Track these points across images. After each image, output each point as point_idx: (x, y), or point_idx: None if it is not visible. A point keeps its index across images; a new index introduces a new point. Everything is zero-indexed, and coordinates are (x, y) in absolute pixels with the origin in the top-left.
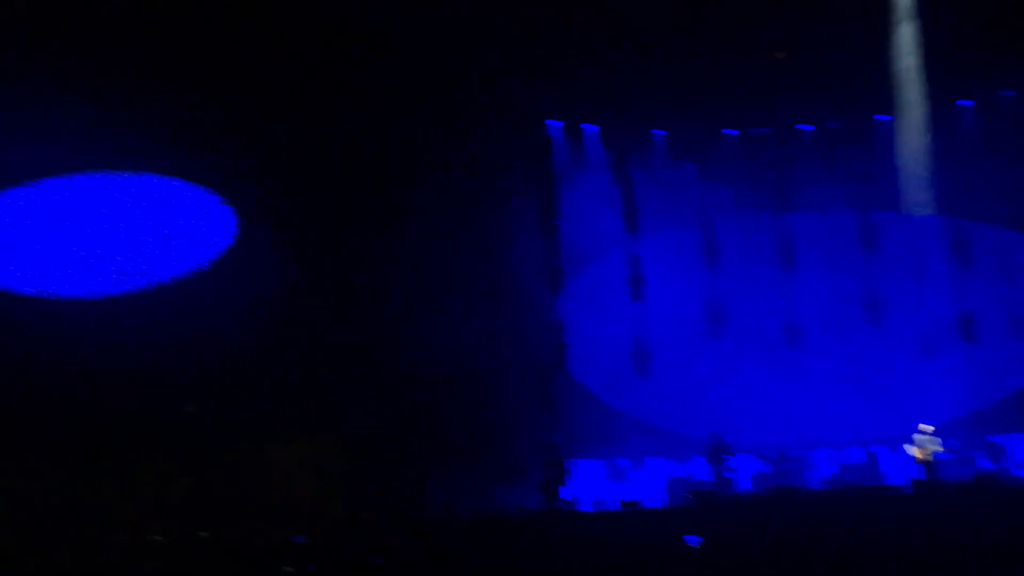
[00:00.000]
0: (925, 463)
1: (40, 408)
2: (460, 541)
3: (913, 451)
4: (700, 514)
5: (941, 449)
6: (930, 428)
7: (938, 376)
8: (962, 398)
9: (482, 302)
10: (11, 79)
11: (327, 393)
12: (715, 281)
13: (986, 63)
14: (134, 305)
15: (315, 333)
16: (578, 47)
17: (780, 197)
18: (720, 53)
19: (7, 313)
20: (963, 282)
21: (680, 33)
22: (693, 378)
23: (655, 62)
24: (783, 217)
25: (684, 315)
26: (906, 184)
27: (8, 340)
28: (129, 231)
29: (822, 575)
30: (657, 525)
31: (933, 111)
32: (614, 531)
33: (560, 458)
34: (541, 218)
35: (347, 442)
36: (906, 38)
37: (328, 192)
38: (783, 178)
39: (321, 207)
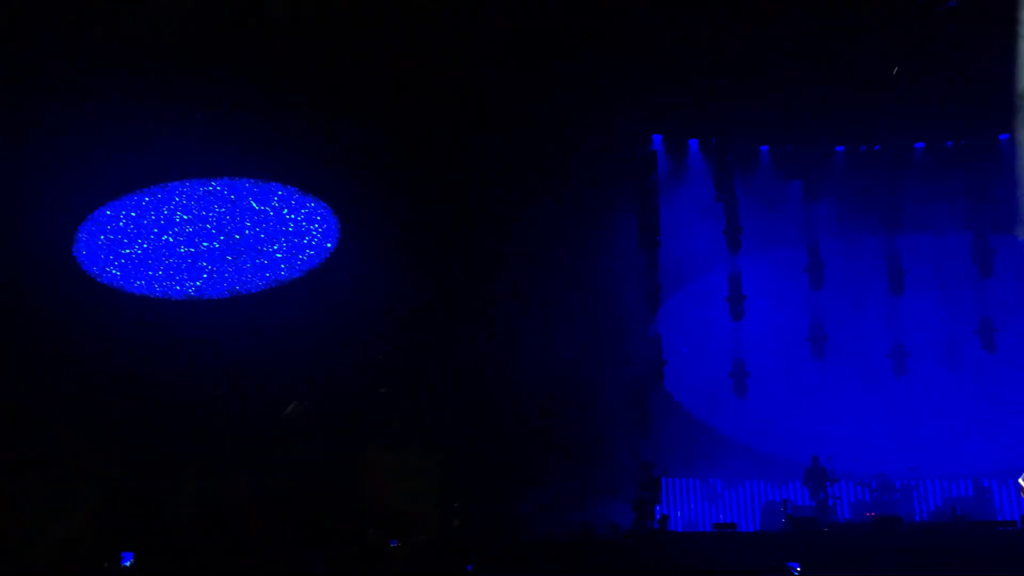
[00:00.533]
0: None
1: (155, 409)
2: (551, 558)
3: (1023, 483)
4: (795, 540)
5: None
6: None
7: None
8: None
9: (583, 318)
10: (140, 88)
11: (429, 404)
12: (819, 302)
13: None
14: (247, 309)
15: (419, 344)
16: (686, 60)
17: (890, 217)
18: (831, 68)
19: (126, 313)
20: None
21: (791, 46)
22: (793, 401)
23: (764, 76)
24: (893, 238)
25: (786, 336)
26: None
27: (126, 340)
28: (244, 236)
29: None
30: (750, 549)
31: None
32: (706, 553)
33: (655, 477)
34: (643, 234)
35: (447, 454)
36: None
37: (436, 205)
38: (894, 197)
39: (428, 220)
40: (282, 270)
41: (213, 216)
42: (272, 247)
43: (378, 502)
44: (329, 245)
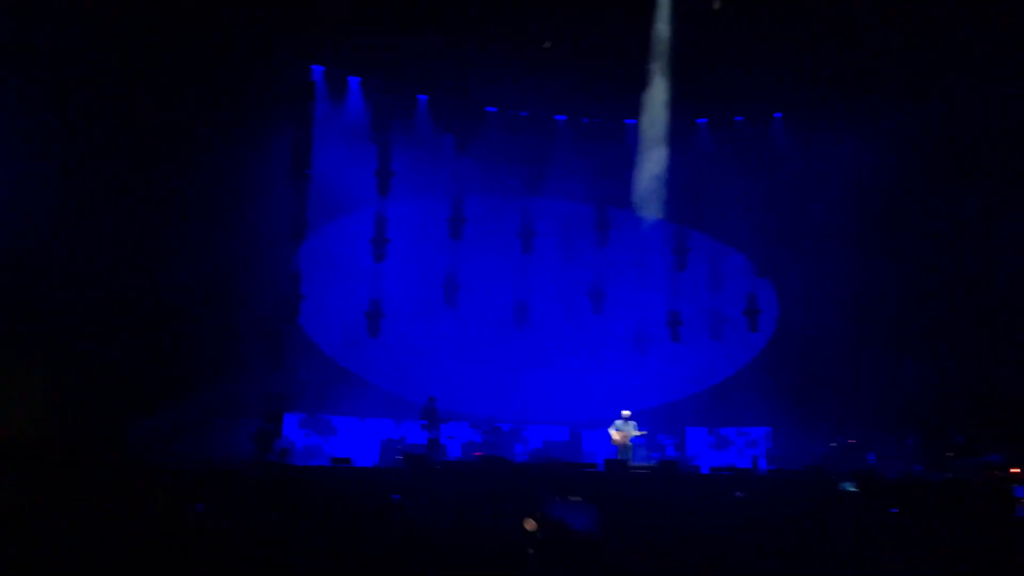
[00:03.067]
0: (621, 446)
1: None
2: (161, 486)
3: (612, 434)
4: (407, 475)
5: (637, 434)
6: (628, 413)
7: (643, 368)
8: (661, 390)
9: (225, 239)
10: None
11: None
12: (457, 253)
13: (726, 88)
14: None
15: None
16: None
17: (529, 181)
18: (493, 29)
19: None
20: (677, 285)
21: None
22: (423, 344)
23: (431, 26)
24: (529, 201)
25: (423, 282)
26: (640, 186)
27: None
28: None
29: (510, 542)
30: (364, 482)
31: (674, 124)
32: (321, 484)
33: (279, 409)
34: (294, 164)
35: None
36: (661, 55)
37: (85, 117)
38: (534, 163)
39: (79, 130)
40: None
41: None
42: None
43: None
44: None
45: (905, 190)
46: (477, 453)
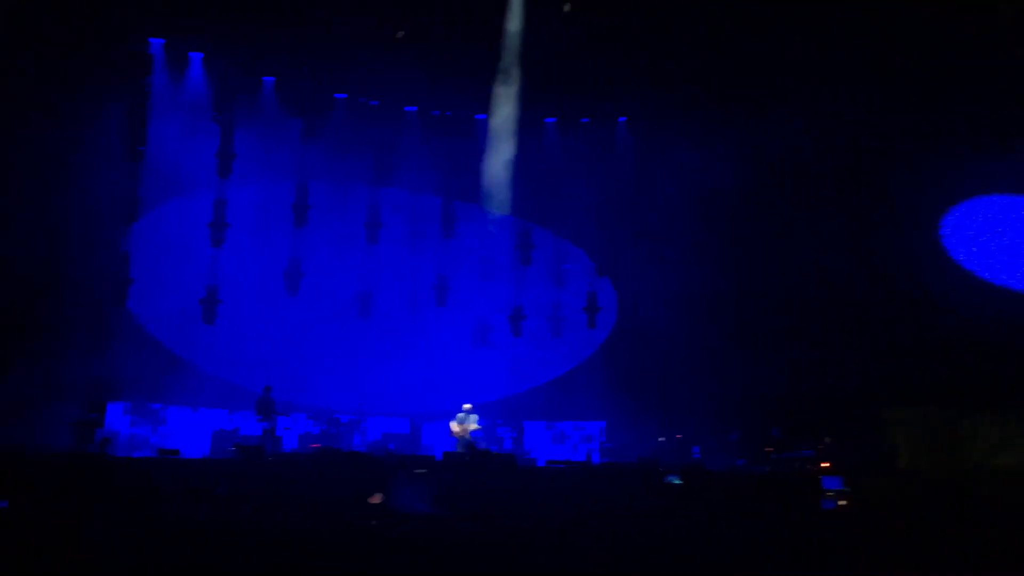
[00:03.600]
0: (460, 438)
1: None
2: None
3: (453, 426)
4: (240, 467)
5: (476, 427)
6: (468, 407)
7: (484, 362)
8: (500, 384)
9: (52, 219)
10: None
11: None
12: (300, 240)
13: (574, 89)
14: None
15: None
16: None
17: (377, 171)
18: (342, 16)
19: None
20: (519, 280)
21: None
22: (261, 333)
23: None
24: (376, 191)
25: (264, 269)
26: (487, 181)
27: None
28: None
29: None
30: (192, 474)
31: (523, 121)
32: (146, 477)
33: (101, 398)
34: (128, 142)
35: None
36: (512, 54)
37: None
38: (382, 152)
39: None
40: None
41: None
42: None
43: None
44: None
45: (742, 197)
46: (314, 445)
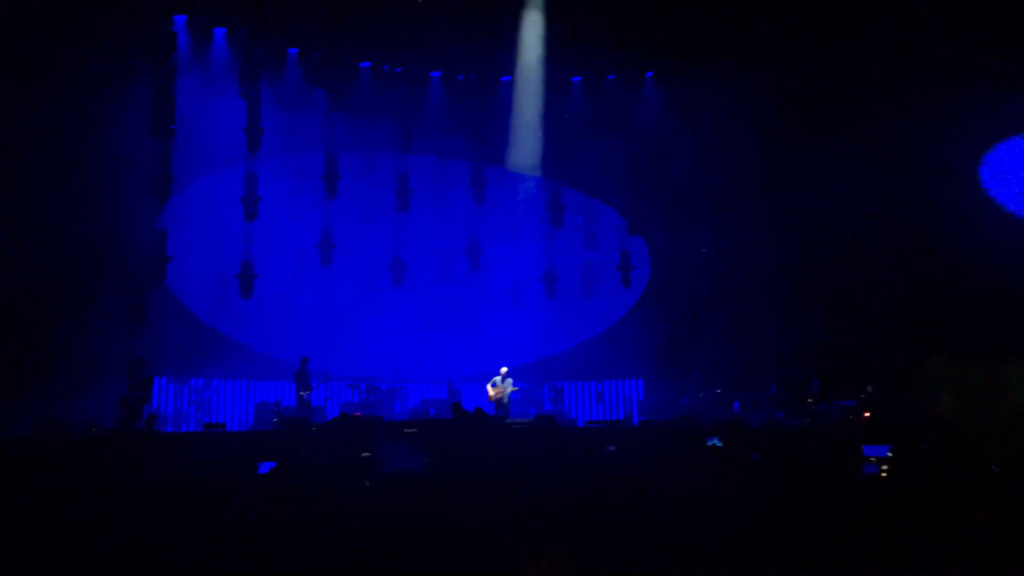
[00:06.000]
0: (498, 401)
1: None
2: (21, 459)
3: (490, 390)
4: (284, 438)
5: (514, 389)
6: (505, 370)
7: (520, 324)
8: (537, 346)
9: (84, 203)
10: None
11: None
12: (331, 211)
13: (598, 48)
14: None
15: None
16: None
17: (403, 138)
18: None
19: None
20: (551, 242)
21: None
22: (297, 305)
23: None
24: (404, 158)
25: (297, 241)
26: (515, 144)
27: None
28: None
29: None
30: (239, 447)
31: (549, 82)
32: (194, 452)
33: (146, 375)
34: (156, 120)
35: None
36: (536, 10)
37: None
38: (408, 119)
39: None
40: None
41: None
42: None
43: None
44: None
45: (771, 146)
46: (356, 413)
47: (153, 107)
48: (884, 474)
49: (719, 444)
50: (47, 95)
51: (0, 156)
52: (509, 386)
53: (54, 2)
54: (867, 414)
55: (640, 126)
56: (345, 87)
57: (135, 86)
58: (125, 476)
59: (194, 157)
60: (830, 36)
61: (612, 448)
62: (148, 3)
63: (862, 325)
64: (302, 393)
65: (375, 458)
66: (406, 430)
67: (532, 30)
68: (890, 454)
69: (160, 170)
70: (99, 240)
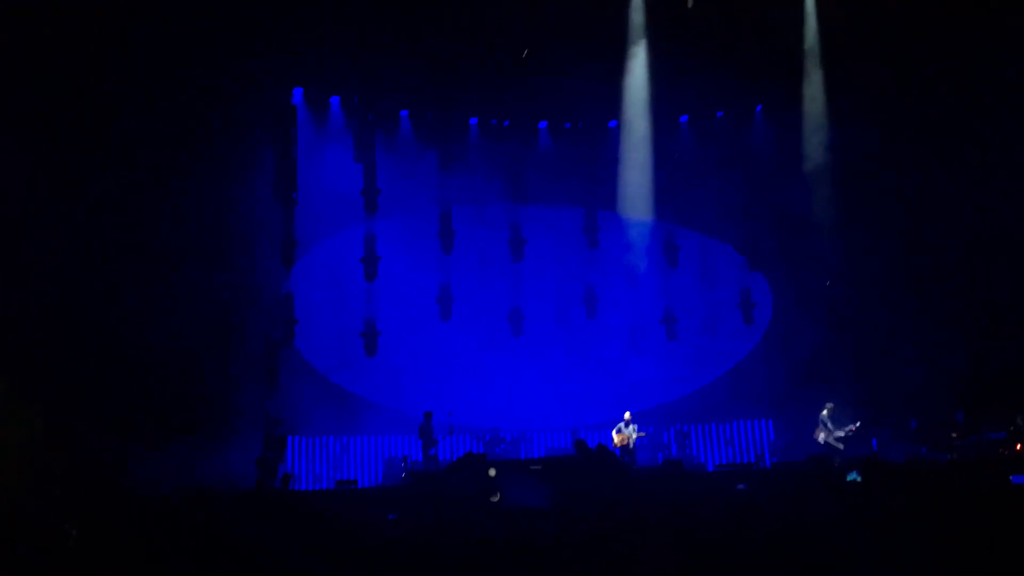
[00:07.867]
0: (624, 448)
1: None
2: (166, 517)
3: (615, 436)
4: (411, 492)
5: (640, 435)
6: (629, 416)
7: (641, 368)
8: (660, 390)
9: (215, 273)
10: None
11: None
12: (448, 266)
13: (705, 85)
14: None
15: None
16: (332, 13)
17: (514, 189)
18: (471, 42)
19: None
20: (668, 283)
21: (435, 14)
22: (420, 359)
23: (408, 41)
24: (516, 209)
25: (416, 298)
26: (626, 188)
27: None
28: None
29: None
30: (370, 502)
31: (656, 123)
32: (328, 508)
33: (280, 435)
34: (279, 189)
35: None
36: (639, 55)
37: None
38: (519, 170)
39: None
40: None
41: None
42: None
43: None
44: None
45: (884, 172)
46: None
47: (276, 176)
48: None
49: (859, 479)
50: (187, 172)
51: (148, 229)
52: (634, 432)
53: (187, 89)
54: (1020, 446)
55: (751, 161)
56: (456, 143)
57: (259, 157)
58: (263, 536)
59: (315, 221)
60: (940, 58)
61: (742, 487)
62: (268, 79)
63: (1008, 352)
64: (429, 451)
65: (500, 490)
66: (532, 467)
67: (637, 73)
68: None
69: (284, 236)
70: (233, 304)
